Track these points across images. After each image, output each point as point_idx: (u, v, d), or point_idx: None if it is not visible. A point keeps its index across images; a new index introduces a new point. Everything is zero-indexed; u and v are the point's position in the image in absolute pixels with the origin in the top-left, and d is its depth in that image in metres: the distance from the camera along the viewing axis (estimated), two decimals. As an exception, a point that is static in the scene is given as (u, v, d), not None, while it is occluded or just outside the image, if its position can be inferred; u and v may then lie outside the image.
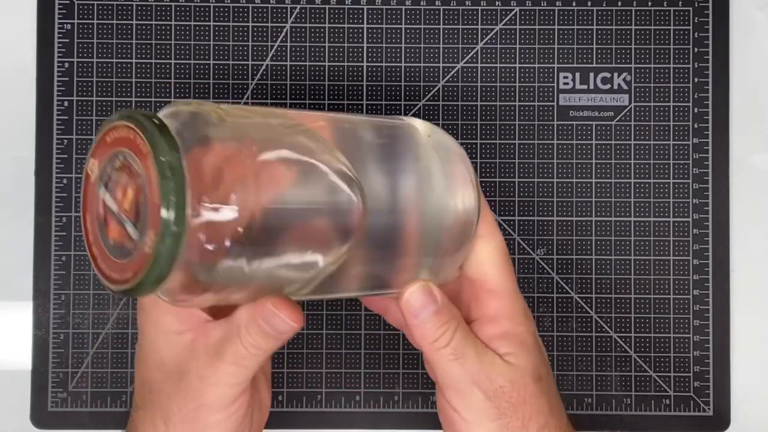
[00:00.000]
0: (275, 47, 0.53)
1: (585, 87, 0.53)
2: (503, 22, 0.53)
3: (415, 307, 0.37)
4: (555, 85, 0.53)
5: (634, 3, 0.53)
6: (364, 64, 0.53)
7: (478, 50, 0.53)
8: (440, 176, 0.37)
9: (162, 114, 0.28)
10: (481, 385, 0.37)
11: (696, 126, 0.53)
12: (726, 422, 0.52)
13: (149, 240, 0.26)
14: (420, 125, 0.38)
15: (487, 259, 0.39)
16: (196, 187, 0.26)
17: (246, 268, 0.29)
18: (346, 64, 0.53)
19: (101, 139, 0.29)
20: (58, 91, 0.52)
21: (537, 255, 0.52)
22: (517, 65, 0.53)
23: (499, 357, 0.38)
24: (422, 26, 0.53)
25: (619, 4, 0.53)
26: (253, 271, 0.29)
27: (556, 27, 0.53)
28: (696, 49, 0.53)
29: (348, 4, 0.53)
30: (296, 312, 0.33)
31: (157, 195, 0.25)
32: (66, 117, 0.52)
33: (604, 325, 0.52)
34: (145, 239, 0.26)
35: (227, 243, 0.27)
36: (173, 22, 0.53)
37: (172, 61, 0.53)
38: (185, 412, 0.35)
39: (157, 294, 0.29)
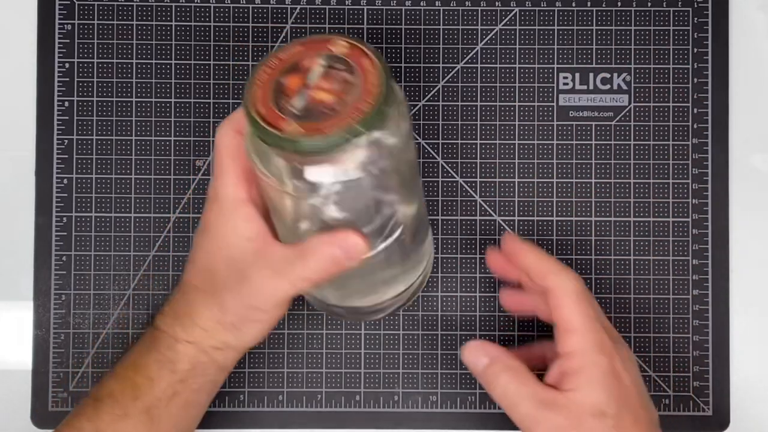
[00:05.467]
0: (275, 48, 0.53)
1: (585, 87, 0.53)
2: (503, 23, 0.53)
3: (469, 365, 0.44)
4: (555, 85, 0.53)
5: (634, 3, 0.53)
6: (364, 64, 0.53)
7: (478, 50, 0.53)
8: None
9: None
10: (541, 426, 0.42)
11: (695, 126, 0.53)
12: (725, 422, 0.52)
13: (367, 102, 0.36)
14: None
15: (557, 301, 0.43)
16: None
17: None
18: (346, 64, 0.53)
19: (309, 42, 0.39)
20: (58, 91, 0.52)
21: (537, 255, 0.52)
22: (517, 65, 0.53)
23: (561, 395, 0.42)
24: (422, 27, 0.53)
25: (619, 4, 0.53)
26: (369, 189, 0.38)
27: (555, 27, 0.53)
28: (695, 50, 0.53)
29: (348, 5, 0.53)
30: (367, 240, 0.40)
31: (377, 83, 0.37)
32: (66, 117, 0.52)
33: (604, 325, 0.52)
34: (361, 103, 0.37)
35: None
36: (173, 23, 0.53)
37: (172, 62, 0.53)
38: (239, 306, 0.42)
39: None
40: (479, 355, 0.44)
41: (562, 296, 0.43)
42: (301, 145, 0.36)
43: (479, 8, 0.53)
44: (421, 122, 0.53)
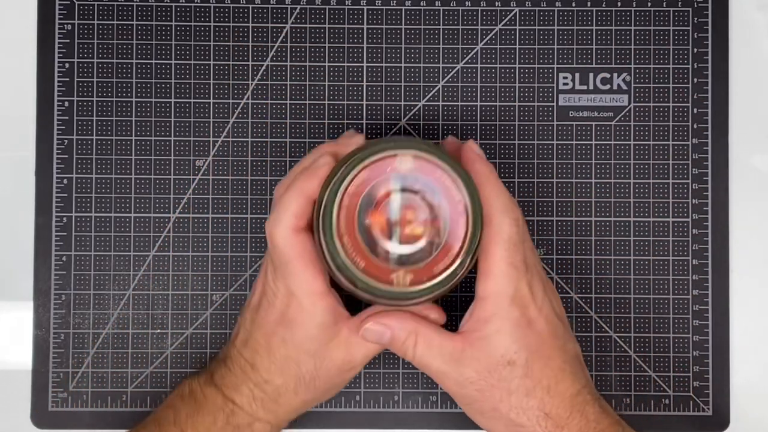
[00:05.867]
0: (275, 48, 0.53)
1: (585, 87, 0.53)
2: (503, 23, 0.53)
3: (374, 339, 0.44)
4: (555, 85, 0.53)
5: (634, 3, 0.53)
6: (364, 64, 0.53)
7: (477, 51, 0.53)
8: None
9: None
10: (451, 380, 0.44)
11: (695, 126, 0.53)
12: (725, 422, 0.52)
13: (463, 227, 0.39)
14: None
15: (486, 242, 0.42)
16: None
17: None
18: (346, 64, 0.53)
19: (368, 165, 0.39)
20: (58, 91, 0.52)
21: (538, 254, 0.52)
22: (517, 66, 0.53)
23: (469, 347, 0.43)
24: (422, 27, 0.53)
25: (619, 4, 0.53)
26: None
27: (555, 27, 0.53)
28: (695, 50, 0.53)
29: (348, 5, 0.53)
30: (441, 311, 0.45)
31: (470, 206, 0.39)
32: (66, 117, 0.52)
33: (604, 325, 0.52)
34: (458, 229, 0.39)
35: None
36: (173, 23, 0.53)
37: (172, 62, 0.53)
38: (322, 388, 0.46)
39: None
40: (378, 331, 0.44)
41: (491, 235, 0.42)
42: (414, 294, 0.38)
43: (479, 8, 0.53)
44: (421, 122, 0.53)
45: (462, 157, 0.43)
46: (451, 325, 0.46)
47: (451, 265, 0.39)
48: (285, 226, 0.42)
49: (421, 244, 0.39)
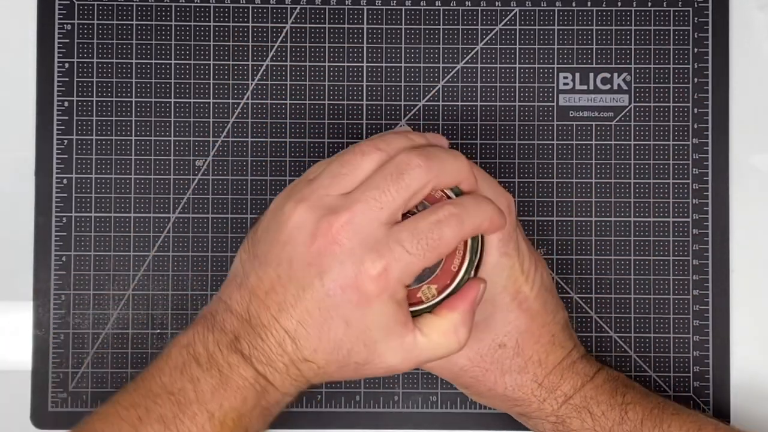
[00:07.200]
0: (275, 47, 0.53)
1: (585, 87, 0.53)
2: (503, 23, 0.53)
3: None
4: (555, 85, 0.53)
5: (634, 3, 0.53)
6: (364, 64, 0.53)
7: (477, 50, 0.53)
8: None
9: None
10: (445, 370, 0.45)
11: (696, 126, 0.53)
12: (725, 422, 0.52)
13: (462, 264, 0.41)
14: None
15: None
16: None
17: None
18: (346, 64, 0.53)
19: None
20: (58, 91, 0.52)
21: (537, 255, 0.52)
22: (517, 66, 0.53)
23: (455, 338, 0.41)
24: (422, 26, 0.53)
25: (619, 4, 0.53)
26: None
27: (555, 27, 0.53)
28: (696, 50, 0.53)
29: (348, 5, 0.53)
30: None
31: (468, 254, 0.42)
32: (66, 117, 0.52)
33: (604, 325, 0.52)
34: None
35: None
36: (173, 23, 0.53)
37: (172, 62, 0.53)
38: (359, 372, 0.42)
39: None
40: None
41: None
42: (447, 297, 0.41)
43: (479, 8, 0.53)
44: (421, 122, 0.53)
45: None
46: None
47: (464, 258, 0.41)
48: (393, 213, 0.39)
49: None
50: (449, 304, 0.41)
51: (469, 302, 0.41)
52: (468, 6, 0.53)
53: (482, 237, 0.41)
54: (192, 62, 0.53)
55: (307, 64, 0.53)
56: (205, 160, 0.53)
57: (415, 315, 0.40)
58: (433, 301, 0.41)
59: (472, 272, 0.41)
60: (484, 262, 0.42)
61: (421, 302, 0.41)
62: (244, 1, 0.53)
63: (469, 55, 0.53)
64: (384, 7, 0.53)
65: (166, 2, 0.53)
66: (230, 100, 0.53)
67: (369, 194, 0.38)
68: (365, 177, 0.39)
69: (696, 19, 0.53)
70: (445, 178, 0.40)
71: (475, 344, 0.44)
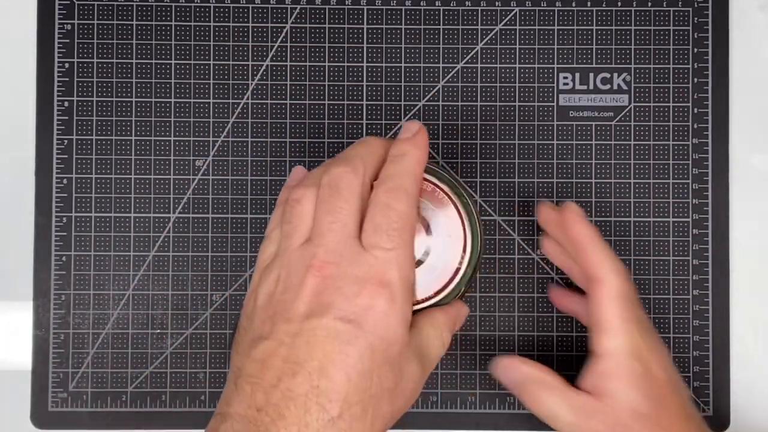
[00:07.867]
0: (275, 47, 0.53)
1: (585, 87, 0.53)
2: (503, 23, 0.53)
3: (503, 382, 0.46)
4: (555, 85, 0.53)
5: (634, 3, 0.53)
6: (364, 64, 0.53)
7: (477, 50, 0.53)
8: None
9: None
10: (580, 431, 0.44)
11: (696, 126, 0.53)
12: (725, 422, 0.52)
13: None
14: None
15: (597, 297, 0.44)
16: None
17: None
18: (346, 64, 0.53)
19: None
20: (58, 91, 0.52)
21: (537, 255, 0.52)
22: (517, 65, 0.53)
23: (598, 401, 0.43)
24: (422, 26, 0.53)
25: (619, 4, 0.53)
26: None
27: (555, 27, 0.53)
28: (695, 50, 0.53)
29: (348, 5, 0.53)
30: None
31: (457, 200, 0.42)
32: (66, 117, 0.52)
33: (604, 325, 0.52)
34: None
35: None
36: (173, 23, 0.53)
37: (172, 61, 0.53)
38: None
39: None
40: (512, 374, 0.46)
41: (603, 294, 0.44)
42: (444, 301, 0.41)
43: (479, 8, 0.53)
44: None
45: (563, 219, 0.45)
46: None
47: (461, 262, 0.42)
48: (356, 222, 0.40)
49: (422, 257, 0.42)
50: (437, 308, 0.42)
51: (452, 315, 0.42)
52: (468, 6, 0.53)
53: (481, 237, 0.42)
54: (192, 62, 0.53)
55: (307, 64, 0.53)
56: (205, 160, 0.53)
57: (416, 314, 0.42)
58: (432, 302, 0.42)
59: (463, 287, 0.42)
60: (608, 328, 0.43)
61: (423, 300, 0.42)
62: (244, 1, 0.53)
63: (469, 55, 0.53)
64: (384, 7, 0.53)
65: (166, 2, 0.53)
66: (230, 100, 0.53)
67: (327, 221, 0.39)
68: (312, 216, 0.40)
69: (696, 19, 0.53)
70: (373, 164, 0.40)
71: (613, 411, 0.44)
